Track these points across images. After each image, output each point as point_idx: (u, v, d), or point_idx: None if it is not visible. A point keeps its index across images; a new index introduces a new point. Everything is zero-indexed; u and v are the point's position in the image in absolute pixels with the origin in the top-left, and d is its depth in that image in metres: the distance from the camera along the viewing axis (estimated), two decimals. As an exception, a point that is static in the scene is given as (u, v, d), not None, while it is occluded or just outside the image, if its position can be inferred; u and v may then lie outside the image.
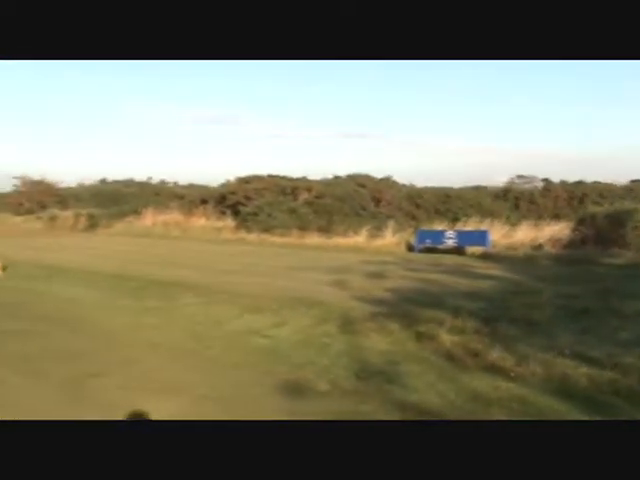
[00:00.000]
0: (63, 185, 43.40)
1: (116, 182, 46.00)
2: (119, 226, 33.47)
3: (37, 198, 40.24)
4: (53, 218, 35.71)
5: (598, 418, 5.09)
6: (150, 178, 46.22)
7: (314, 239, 25.43)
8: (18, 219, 38.29)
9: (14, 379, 6.14)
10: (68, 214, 35.55)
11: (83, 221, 34.26)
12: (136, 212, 34.92)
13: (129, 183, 44.79)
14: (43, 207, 39.24)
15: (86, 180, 48.06)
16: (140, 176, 47.89)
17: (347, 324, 8.45)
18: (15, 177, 42.17)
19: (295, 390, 5.85)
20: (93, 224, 33.92)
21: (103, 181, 47.06)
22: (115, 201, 38.34)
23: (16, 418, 5.08)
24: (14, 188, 42.15)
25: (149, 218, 33.66)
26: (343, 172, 35.68)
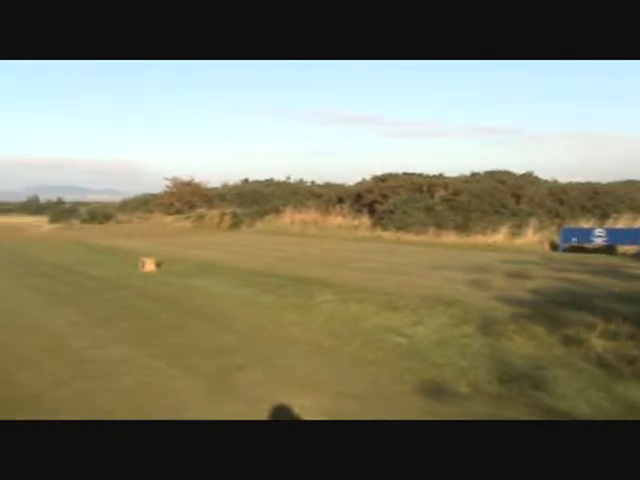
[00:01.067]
0: (210, 186, 45.90)
1: (257, 182, 47.86)
2: (260, 224, 34.83)
3: (186, 198, 42.83)
4: (200, 217, 37.85)
5: None
6: (289, 178, 47.61)
7: (451, 237, 24.92)
8: (169, 218, 41.01)
9: (170, 371, 6.58)
10: (214, 213, 37.52)
11: (227, 220, 36.02)
12: (276, 211, 36.15)
13: (269, 183, 46.44)
14: (191, 207, 41.70)
15: (230, 181, 50.58)
16: (279, 176, 49.45)
17: (487, 325, 8.19)
18: (166, 179, 45.20)
19: (434, 391, 5.76)
20: (237, 222, 35.56)
21: (245, 181, 49.14)
22: (256, 200, 39.92)
23: (165, 407, 5.44)
24: (166, 189, 45.19)
25: (288, 216, 34.70)
26: (481, 168, 34.58)
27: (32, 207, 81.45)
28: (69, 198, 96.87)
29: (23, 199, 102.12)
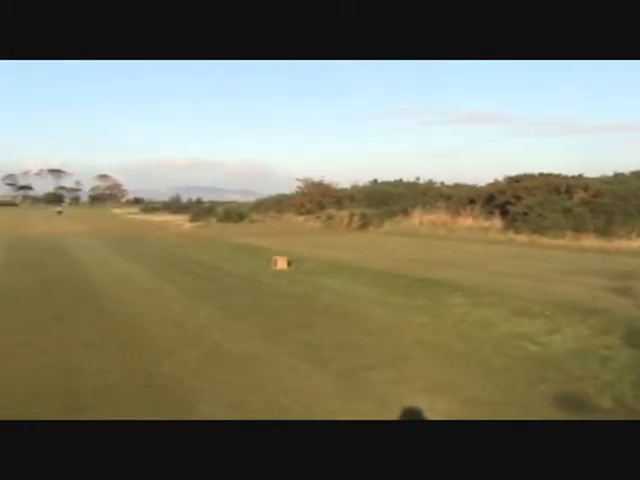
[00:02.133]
0: (339, 187, 46.51)
1: (386, 183, 47.81)
2: (388, 225, 34.73)
3: (317, 199, 43.66)
4: (330, 217, 38.44)
5: None
6: (418, 178, 47.12)
7: (591, 241, 23.49)
8: (300, 218, 42.02)
9: (300, 367, 6.74)
10: (343, 214, 37.95)
11: (356, 220, 36.29)
12: (404, 212, 35.92)
13: (398, 184, 46.23)
14: (321, 207, 42.45)
15: (359, 181, 50.91)
16: (408, 177, 49.08)
17: (634, 336, 7.63)
18: (298, 180, 46.35)
19: (574, 404, 5.45)
20: (365, 223, 35.73)
21: (374, 182, 49.26)
22: (385, 201, 39.88)
23: (297, 402, 5.56)
24: (297, 190, 46.35)
25: (416, 217, 34.36)
26: (625, 169, 32.23)
27: (174, 206, 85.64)
28: (207, 198, 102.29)
29: (166, 199, 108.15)
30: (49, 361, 6.85)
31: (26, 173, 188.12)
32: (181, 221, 48.45)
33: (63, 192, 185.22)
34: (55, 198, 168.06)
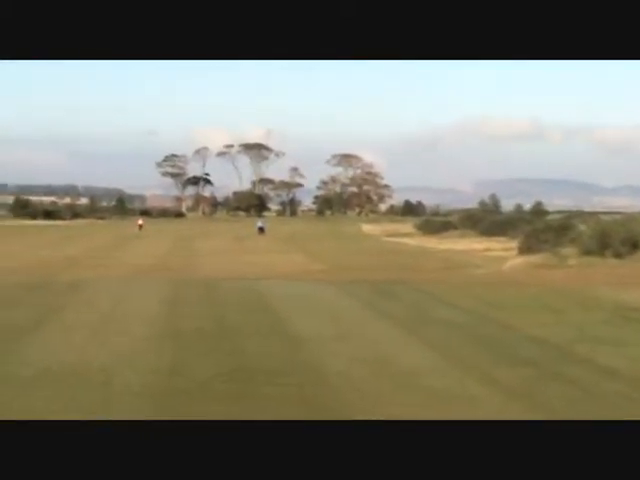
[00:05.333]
0: None
1: None
2: None
3: None
4: None
5: None
6: None
7: None
8: None
9: None
10: None
11: None
12: None
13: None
14: None
15: None
16: None
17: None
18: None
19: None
20: None
21: None
22: None
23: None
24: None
25: None
26: None
27: (484, 221, 43.30)
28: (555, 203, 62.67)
29: (473, 204, 62.26)
30: None
31: (199, 153, 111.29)
32: (500, 250, 27.68)
33: (268, 190, 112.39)
34: (251, 201, 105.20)
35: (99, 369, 7.38)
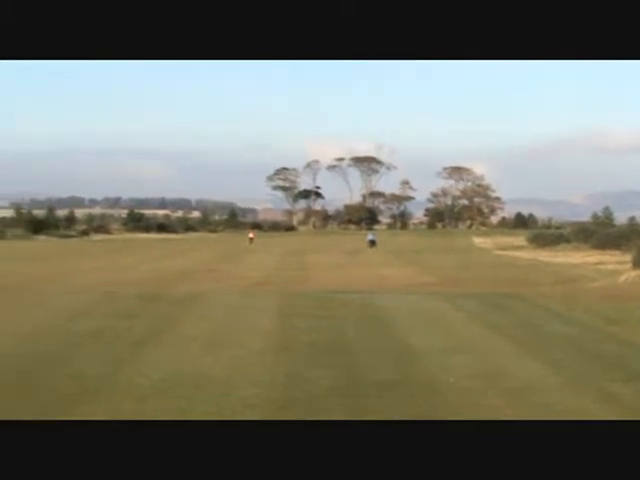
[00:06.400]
0: None
1: None
2: None
3: None
4: None
5: None
6: None
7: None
8: None
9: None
10: None
11: None
12: None
13: None
14: None
15: None
16: None
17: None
18: None
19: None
20: None
21: None
22: None
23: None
24: None
25: None
26: None
27: (590, 235, 41.69)
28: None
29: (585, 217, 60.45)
30: None
31: (309, 166, 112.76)
32: (614, 263, 26.33)
33: (379, 203, 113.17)
34: (362, 214, 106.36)
35: (214, 380, 7.51)
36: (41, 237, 66.68)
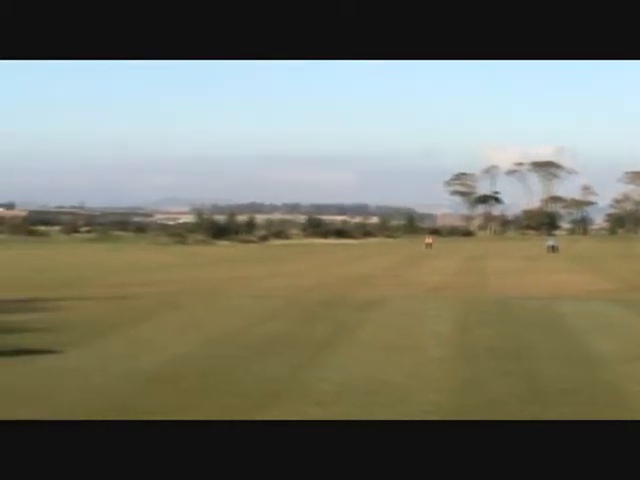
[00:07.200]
0: None
1: None
2: None
3: None
4: None
5: None
6: None
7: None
8: None
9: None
10: None
11: None
12: None
13: None
14: None
15: None
16: None
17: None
18: None
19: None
20: None
21: None
22: None
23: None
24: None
25: None
26: None
27: None
28: None
29: None
30: None
31: (488, 171, 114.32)
32: None
33: (559, 208, 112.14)
34: (542, 220, 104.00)
35: (393, 386, 7.49)
36: (222, 242, 68.28)
